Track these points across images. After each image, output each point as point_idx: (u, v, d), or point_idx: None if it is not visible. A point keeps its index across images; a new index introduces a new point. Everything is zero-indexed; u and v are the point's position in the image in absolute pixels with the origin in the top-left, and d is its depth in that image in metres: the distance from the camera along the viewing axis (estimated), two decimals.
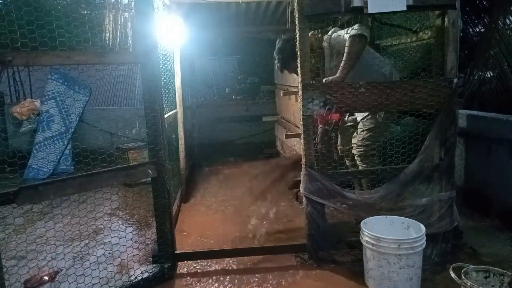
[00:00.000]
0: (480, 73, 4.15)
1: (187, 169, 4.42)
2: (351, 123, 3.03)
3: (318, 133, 2.86)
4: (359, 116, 2.89)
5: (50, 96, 4.92)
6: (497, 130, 2.94)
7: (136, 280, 2.26)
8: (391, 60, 3.57)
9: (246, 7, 3.91)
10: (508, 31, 4.07)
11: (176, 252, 2.46)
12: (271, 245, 2.61)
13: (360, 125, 2.85)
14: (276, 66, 3.15)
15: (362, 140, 2.81)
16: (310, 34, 2.79)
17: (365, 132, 2.80)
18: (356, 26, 2.58)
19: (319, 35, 2.90)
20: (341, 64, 2.58)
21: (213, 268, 2.48)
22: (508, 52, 3.91)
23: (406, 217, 2.30)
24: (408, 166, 2.43)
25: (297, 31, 2.31)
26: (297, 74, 3.00)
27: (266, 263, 2.48)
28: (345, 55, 2.57)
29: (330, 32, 2.81)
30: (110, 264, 2.25)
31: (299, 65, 2.35)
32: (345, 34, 2.62)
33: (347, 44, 2.57)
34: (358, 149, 2.84)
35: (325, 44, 2.83)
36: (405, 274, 2.04)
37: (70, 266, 2.47)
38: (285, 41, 2.96)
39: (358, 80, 2.43)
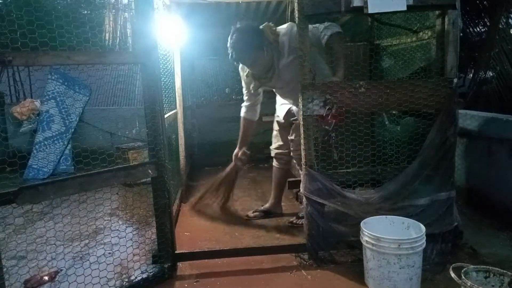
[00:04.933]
0: (481, 73, 4.16)
1: (187, 169, 4.42)
2: None
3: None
4: None
5: (50, 96, 4.92)
6: (497, 130, 2.94)
7: (136, 280, 2.26)
8: (390, 60, 3.58)
9: (246, 7, 3.92)
10: (511, 30, 4.09)
11: (176, 252, 2.46)
12: (271, 245, 2.61)
13: None
14: (230, 57, 2.75)
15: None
16: (265, 25, 2.72)
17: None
18: (332, 24, 2.63)
19: (274, 28, 2.76)
20: (337, 65, 2.61)
21: (213, 268, 2.48)
22: (511, 51, 3.92)
23: (406, 217, 2.30)
24: (408, 166, 2.43)
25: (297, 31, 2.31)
26: (253, 67, 2.85)
27: (266, 263, 2.49)
28: (336, 55, 2.61)
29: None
30: (110, 264, 2.25)
31: (299, 65, 2.34)
32: (322, 28, 2.65)
33: (333, 45, 2.61)
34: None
35: None
36: (405, 274, 2.04)
37: (70, 266, 2.47)
38: (237, 31, 2.66)
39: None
